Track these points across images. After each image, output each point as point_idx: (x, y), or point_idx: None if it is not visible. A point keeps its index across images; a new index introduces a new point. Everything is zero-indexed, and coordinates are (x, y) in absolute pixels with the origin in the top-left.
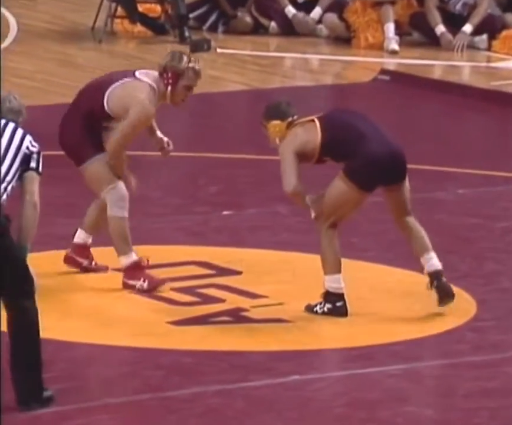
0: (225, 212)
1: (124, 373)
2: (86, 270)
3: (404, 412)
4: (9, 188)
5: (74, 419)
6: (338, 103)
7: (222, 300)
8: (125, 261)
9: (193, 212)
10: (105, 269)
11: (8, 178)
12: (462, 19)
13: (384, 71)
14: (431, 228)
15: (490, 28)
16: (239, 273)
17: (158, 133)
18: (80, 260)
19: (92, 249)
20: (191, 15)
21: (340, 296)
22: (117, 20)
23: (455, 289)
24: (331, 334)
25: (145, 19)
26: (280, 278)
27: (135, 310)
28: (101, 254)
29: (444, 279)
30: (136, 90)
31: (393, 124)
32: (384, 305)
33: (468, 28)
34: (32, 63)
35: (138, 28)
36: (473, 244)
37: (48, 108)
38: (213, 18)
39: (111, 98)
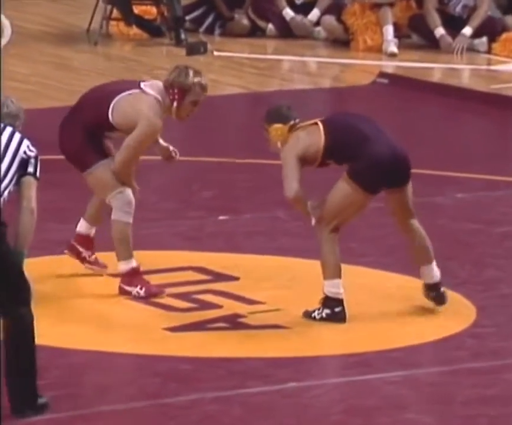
0: (221, 217)
1: (120, 380)
2: (84, 260)
3: (403, 420)
4: (6, 193)
5: None
6: (337, 106)
7: (219, 306)
8: (124, 266)
9: (189, 217)
10: (103, 267)
11: (5, 183)
12: (462, 22)
13: (383, 74)
14: (430, 232)
15: (490, 30)
16: (236, 278)
17: (162, 141)
18: (80, 249)
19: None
20: (187, 17)
21: (339, 302)
22: (113, 23)
23: (455, 295)
24: (329, 341)
25: (141, 22)
26: (278, 284)
27: (131, 317)
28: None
29: (442, 289)
30: (142, 104)
31: (392, 128)
32: (383, 311)
33: (467, 30)
34: (27, 66)
35: (134, 30)
36: (472, 249)
37: (42, 111)
38: (209, 20)
39: (116, 110)
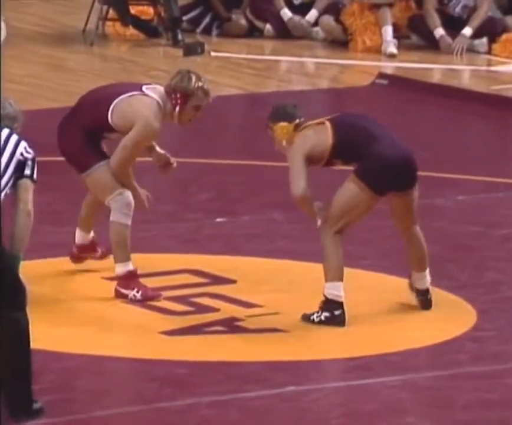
0: (218, 220)
1: (116, 384)
2: (97, 258)
3: (403, 424)
4: (3, 195)
5: None
6: (335, 107)
7: (216, 310)
8: (121, 269)
9: (186, 219)
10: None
11: (2, 185)
12: (462, 22)
13: (382, 75)
14: (430, 235)
15: (490, 31)
16: (233, 281)
17: (158, 149)
18: (87, 256)
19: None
20: (184, 18)
21: (339, 304)
22: (109, 23)
23: (455, 298)
24: (328, 344)
25: (137, 22)
26: (276, 287)
27: (127, 320)
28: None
29: (429, 296)
30: (141, 105)
31: (392, 129)
32: (382, 314)
33: (467, 30)
34: (22, 67)
35: (131, 30)
36: (473, 252)
37: (38, 112)
38: (206, 20)
39: (116, 112)
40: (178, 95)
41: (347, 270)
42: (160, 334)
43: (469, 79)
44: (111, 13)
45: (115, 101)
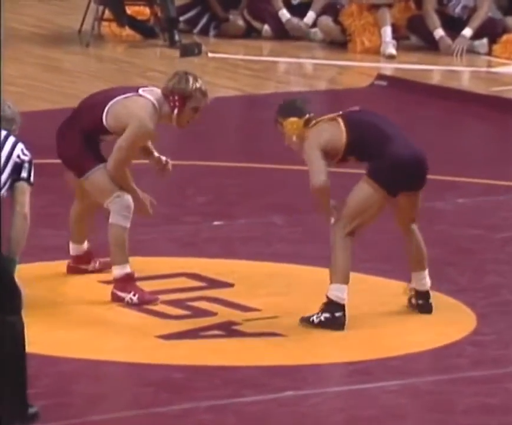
0: (216, 223)
1: (112, 389)
2: (91, 273)
3: None
4: None
5: None
6: (334, 109)
7: (214, 313)
8: (119, 271)
9: (183, 222)
10: (110, 264)
11: None
12: (462, 23)
13: (381, 76)
14: (430, 238)
15: (490, 31)
16: (231, 285)
17: (155, 153)
18: (83, 267)
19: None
20: (181, 18)
21: (341, 307)
22: (105, 24)
23: (455, 302)
24: (327, 349)
25: (133, 22)
26: (273, 290)
27: (124, 324)
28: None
29: (430, 300)
30: (136, 106)
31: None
32: (382, 318)
33: (467, 31)
34: (17, 68)
35: (127, 31)
36: (473, 255)
37: (34, 114)
38: (204, 21)
39: (110, 113)
40: (176, 97)
41: None
42: (156, 339)
43: (469, 81)
44: (107, 13)
45: (110, 103)
